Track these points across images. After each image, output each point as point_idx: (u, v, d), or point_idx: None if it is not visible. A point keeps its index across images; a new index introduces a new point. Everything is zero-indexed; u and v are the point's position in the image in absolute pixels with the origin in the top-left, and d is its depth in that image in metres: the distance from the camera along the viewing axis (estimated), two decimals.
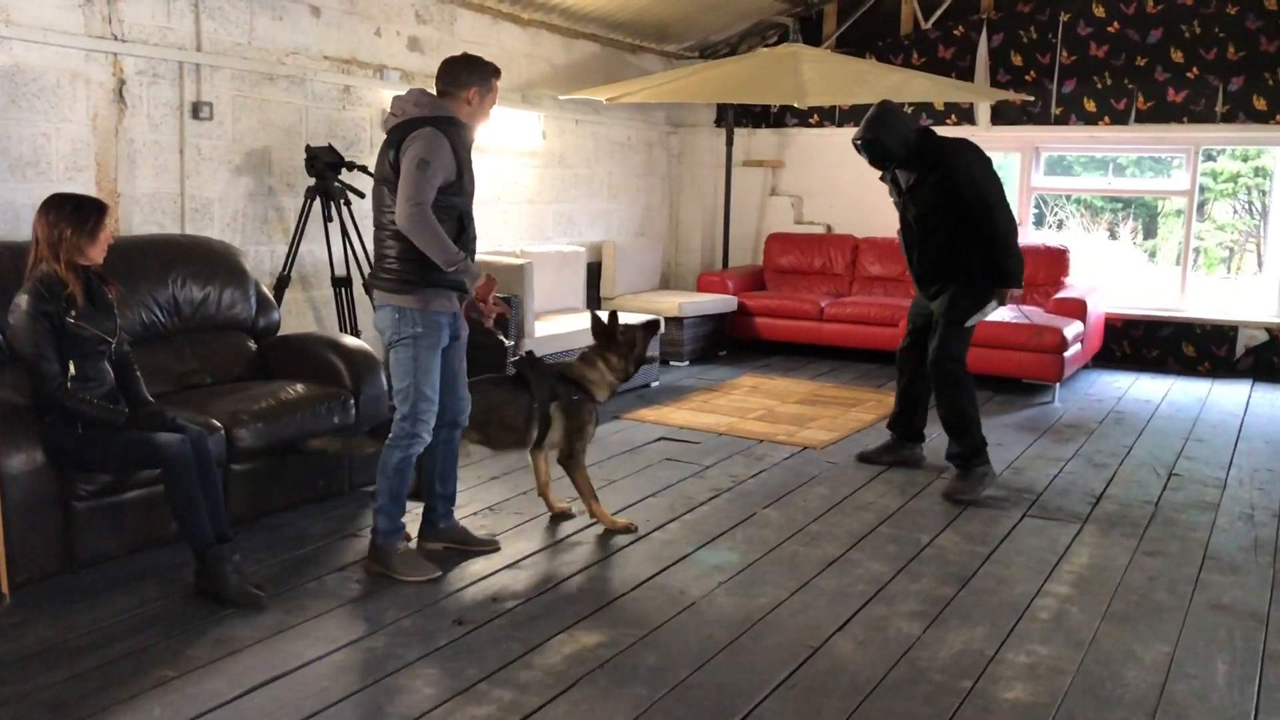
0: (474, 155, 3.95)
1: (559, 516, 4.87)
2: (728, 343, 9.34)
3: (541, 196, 8.42)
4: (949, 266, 5.29)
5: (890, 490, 5.42)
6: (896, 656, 3.57)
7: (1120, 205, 13.45)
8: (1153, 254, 13.42)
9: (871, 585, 4.18)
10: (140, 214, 5.42)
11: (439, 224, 3.90)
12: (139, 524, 4.16)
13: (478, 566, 4.27)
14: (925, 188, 5.22)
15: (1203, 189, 12.92)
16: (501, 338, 4.50)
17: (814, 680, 3.39)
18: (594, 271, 8.88)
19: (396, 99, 4.06)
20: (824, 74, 7.19)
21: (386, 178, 3.99)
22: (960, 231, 5.23)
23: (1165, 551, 4.63)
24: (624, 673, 3.41)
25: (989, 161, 5.28)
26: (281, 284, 5.87)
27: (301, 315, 6.37)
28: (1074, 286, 8.72)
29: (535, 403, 4.63)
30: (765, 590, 4.10)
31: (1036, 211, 13.29)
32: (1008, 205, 5.28)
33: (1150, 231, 13.71)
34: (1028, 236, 9.79)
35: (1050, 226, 13.16)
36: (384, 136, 4.05)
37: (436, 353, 4.11)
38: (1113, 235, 13.74)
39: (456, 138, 3.99)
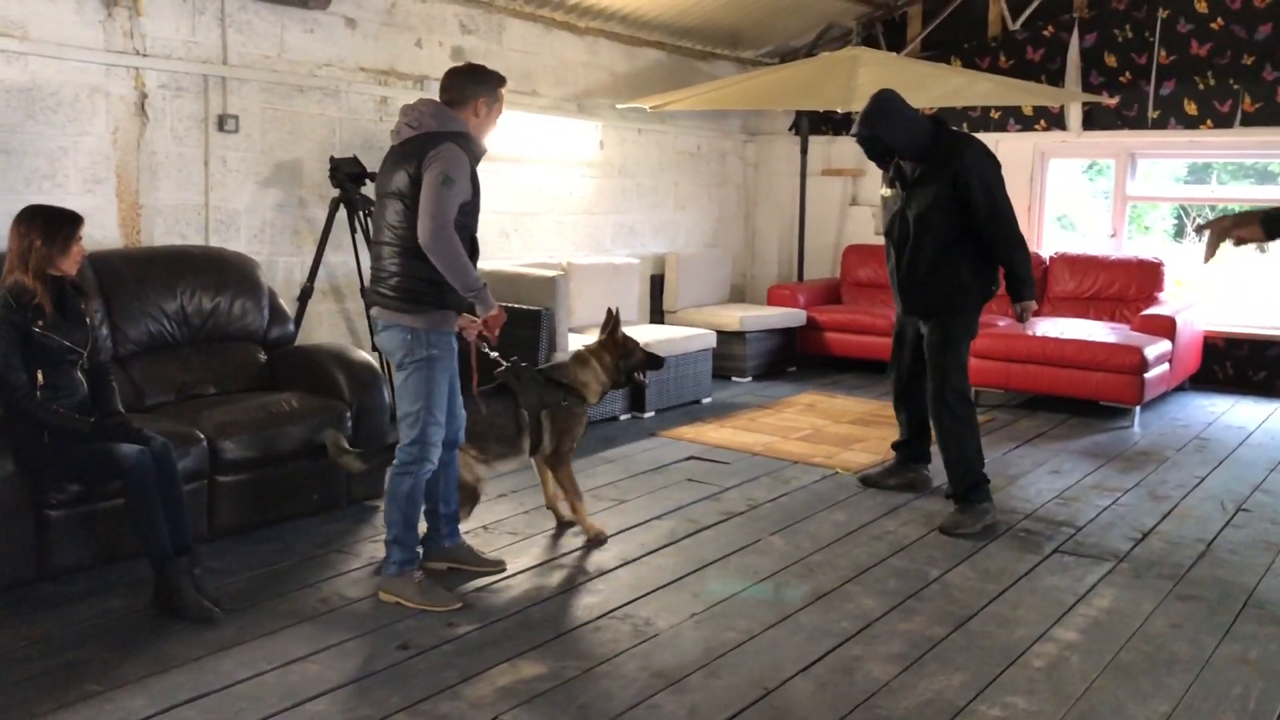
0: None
1: (566, 525, 4.86)
2: (797, 359, 9.01)
3: (599, 207, 8.28)
4: (937, 275, 4.91)
5: (914, 518, 5.07)
6: (855, 703, 3.28)
7: None
8: None
9: (857, 622, 3.88)
10: (163, 225, 5.49)
11: (461, 246, 3.76)
12: (114, 534, 4.15)
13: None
14: (933, 182, 4.85)
15: None
16: (489, 351, 4.39)
17: None
18: (657, 284, 8.72)
19: (408, 108, 3.91)
20: (880, 78, 6.83)
21: (400, 192, 3.82)
22: (958, 235, 4.86)
23: (1201, 596, 4.17)
24: (553, 708, 3.22)
25: (999, 166, 4.93)
26: (305, 295, 5.87)
27: (335, 326, 6.39)
28: (1167, 302, 8.11)
29: (525, 411, 4.56)
30: (739, 623, 3.85)
31: (1177, 222, 12.52)
32: (1014, 213, 4.92)
33: None
34: (1136, 250, 9.19)
35: (1189, 238, 12.38)
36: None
37: (448, 375, 3.98)
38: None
39: (472, 154, 3.86)
